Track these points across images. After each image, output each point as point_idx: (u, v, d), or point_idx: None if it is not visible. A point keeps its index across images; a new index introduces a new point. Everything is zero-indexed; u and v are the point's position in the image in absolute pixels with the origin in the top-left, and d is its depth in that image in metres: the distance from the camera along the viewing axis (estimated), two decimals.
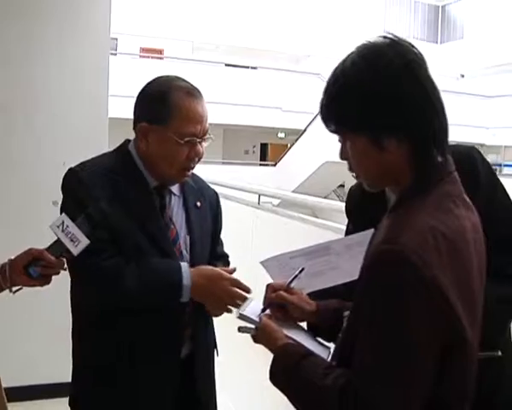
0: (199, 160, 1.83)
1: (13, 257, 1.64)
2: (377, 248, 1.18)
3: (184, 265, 1.77)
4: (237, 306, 1.68)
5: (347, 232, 2.07)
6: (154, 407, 1.82)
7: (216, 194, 2.09)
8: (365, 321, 1.17)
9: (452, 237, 1.19)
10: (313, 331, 1.57)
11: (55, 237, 1.62)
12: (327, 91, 1.31)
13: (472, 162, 1.76)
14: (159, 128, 1.76)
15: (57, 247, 1.60)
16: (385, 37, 1.26)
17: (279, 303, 1.56)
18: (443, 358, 1.16)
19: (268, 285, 1.61)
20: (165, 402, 1.82)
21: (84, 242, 1.59)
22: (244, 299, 1.70)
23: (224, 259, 2.10)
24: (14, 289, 1.63)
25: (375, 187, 1.36)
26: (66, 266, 1.65)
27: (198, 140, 1.78)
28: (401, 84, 1.21)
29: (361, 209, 1.96)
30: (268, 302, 1.57)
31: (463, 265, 1.21)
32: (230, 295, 1.76)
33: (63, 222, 1.59)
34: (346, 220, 2.08)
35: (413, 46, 1.27)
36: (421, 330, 1.12)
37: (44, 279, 1.62)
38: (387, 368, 1.12)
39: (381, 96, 1.22)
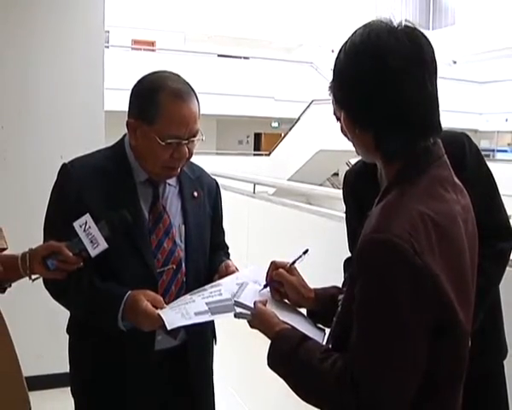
0: (188, 159, 1.83)
1: (34, 247, 1.68)
2: (368, 236, 1.18)
3: (124, 298, 1.71)
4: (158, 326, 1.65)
5: (347, 221, 2.09)
6: (144, 398, 1.84)
7: (216, 183, 2.09)
8: (358, 308, 1.19)
9: (443, 222, 1.20)
10: (312, 317, 1.59)
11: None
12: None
13: (460, 147, 1.79)
14: (144, 126, 1.77)
15: (77, 244, 1.63)
16: (381, 21, 1.26)
17: (279, 281, 1.58)
18: (436, 340, 1.18)
19: (272, 262, 1.63)
20: (155, 393, 1.84)
21: (103, 245, 1.63)
22: (157, 319, 1.63)
23: (224, 250, 2.11)
24: (33, 277, 1.68)
25: (364, 159, 1.40)
26: (82, 264, 1.68)
27: (183, 142, 1.77)
28: (370, 72, 1.22)
29: (354, 194, 1.98)
30: (269, 279, 1.60)
31: (454, 249, 1.23)
32: (148, 320, 1.68)
33: (86, 222, 1.62)
34: (339, 206, 2.09)
35: (413, 33, 1.25)
36: (413, 315, 1.14)
37: (60, 273, 1.66)
38: (381, 352, 1.14)
39: (353, 81, 1.25)
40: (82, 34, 3.79)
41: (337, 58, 1.30)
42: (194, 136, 1.79)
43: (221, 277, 1.83)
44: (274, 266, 1.61)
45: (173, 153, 1.76)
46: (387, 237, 1.14)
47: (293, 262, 1.62)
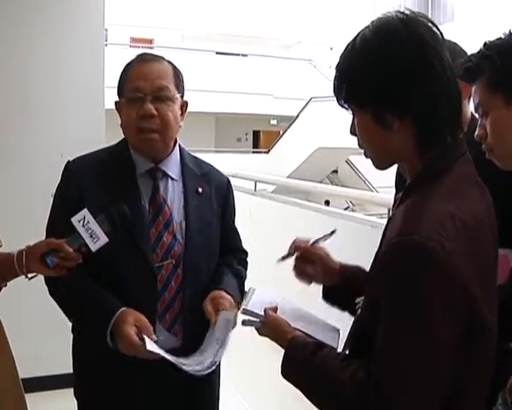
0: (163, 125, 1.79)
1: (31, 244, 1.66)
2: (394, 240, 1.13)
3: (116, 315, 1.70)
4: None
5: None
6: (147, 398, 1.83)
7: (227, 181, 2.04)
8: (386, 311, 1.13)
9: (470, 221, 1.15)
10: (331, 297, 1.56)
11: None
12: (337, 66, 1.27)
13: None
14: (121, 100, 1.85)
15: (76, 240, 1.61)
16: (402, 12, 1.23)
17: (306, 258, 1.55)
18: (463, 342, 1.13)
19: (294, 240, 1.59)
20: (158, 393, 1.83)
21: (103, 239, 1.61)
22: (139, 347, 1.64)
23: (237, 256, 2.05)
24: (29, 275, 1.65)
25: (381, 165, 1.30)
26: (81, 260, 1.65)
27: (147, 97, 1.77)
28: (404, 63, 1.17)
29: (399, 181, 1.96)
30: (294, 249, 1.56)
31: (482, 250, 1.19)
32: (132, 348, 1.67)
33: (84, 217, 1.60)
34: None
35: (433, 24, 1.23)
36: (442, 317, 1.09)
37: (60, 270, 1.63)
38: (410, 357, 1.09)
39: (382, 74, 1.18)
40: (82, 32, 3.80)
41: (354, 59, 1.23)
42: (160, 92, 1.79)
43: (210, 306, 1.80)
44: (296, 243, 1.58)
45: (138, 110, 1.78)
46: (416, 239, 1.09)
47: (317, 241, 1.58)
